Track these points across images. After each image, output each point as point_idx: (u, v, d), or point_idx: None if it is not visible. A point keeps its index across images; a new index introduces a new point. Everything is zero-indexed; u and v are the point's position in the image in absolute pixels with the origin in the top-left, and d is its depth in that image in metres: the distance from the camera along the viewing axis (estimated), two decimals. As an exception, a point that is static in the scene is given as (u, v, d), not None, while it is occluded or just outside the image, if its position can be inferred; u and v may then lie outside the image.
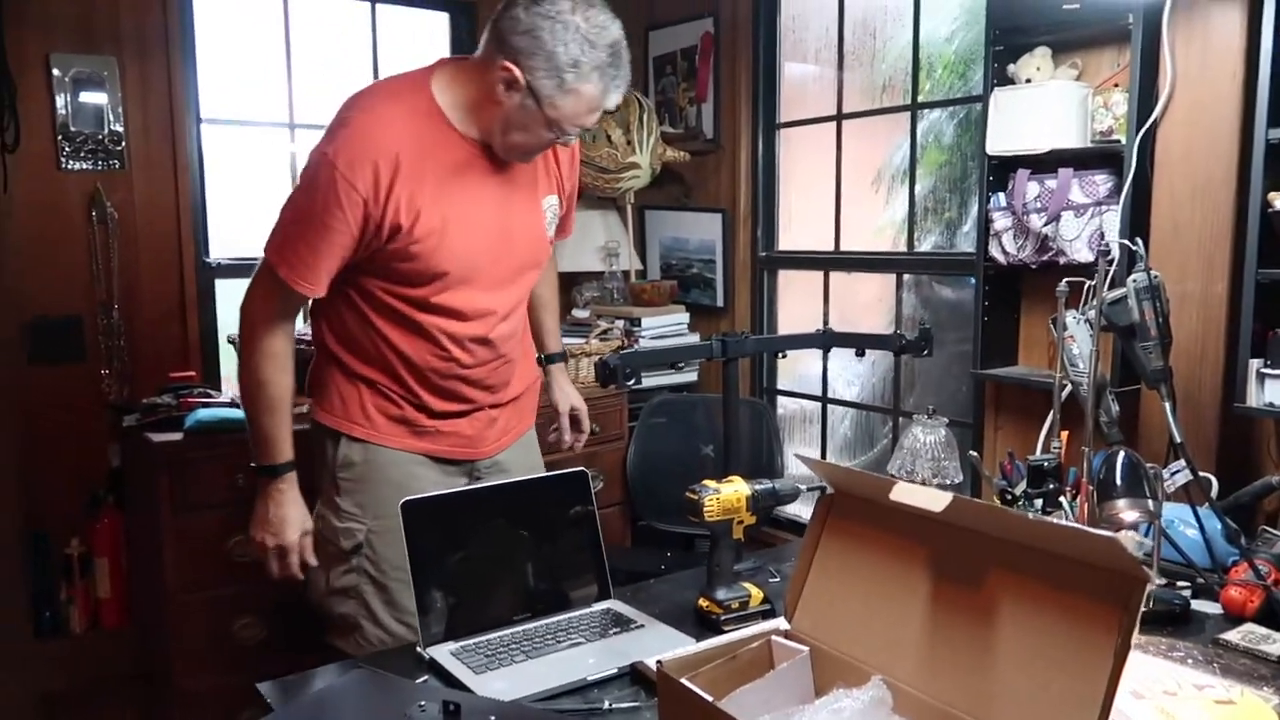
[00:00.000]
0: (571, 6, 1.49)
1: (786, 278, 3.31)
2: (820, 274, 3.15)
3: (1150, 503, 1.48)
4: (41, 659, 2.56)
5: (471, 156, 1.62)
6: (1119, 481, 1.48)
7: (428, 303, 1.63)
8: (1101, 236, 2.10)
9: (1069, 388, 1.70)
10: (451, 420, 1.74)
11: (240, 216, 3.03)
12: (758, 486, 1.49)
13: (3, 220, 2.47)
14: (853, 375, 3.34)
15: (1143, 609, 0.87)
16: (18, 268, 2.53)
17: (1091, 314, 1.63)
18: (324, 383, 1.73)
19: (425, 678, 1.32)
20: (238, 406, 2.52)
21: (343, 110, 1.60)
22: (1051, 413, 1.73)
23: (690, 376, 3.30)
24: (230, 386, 2.85)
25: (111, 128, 2.66)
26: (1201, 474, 1.69)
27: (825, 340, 2.05)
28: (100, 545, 2.64)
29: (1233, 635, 1.39)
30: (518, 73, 1.50)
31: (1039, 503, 1.63)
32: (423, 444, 1.72)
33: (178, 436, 2.37)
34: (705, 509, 1.45)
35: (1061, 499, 1.61)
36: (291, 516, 1.65)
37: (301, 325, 1.83)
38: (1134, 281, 1.64)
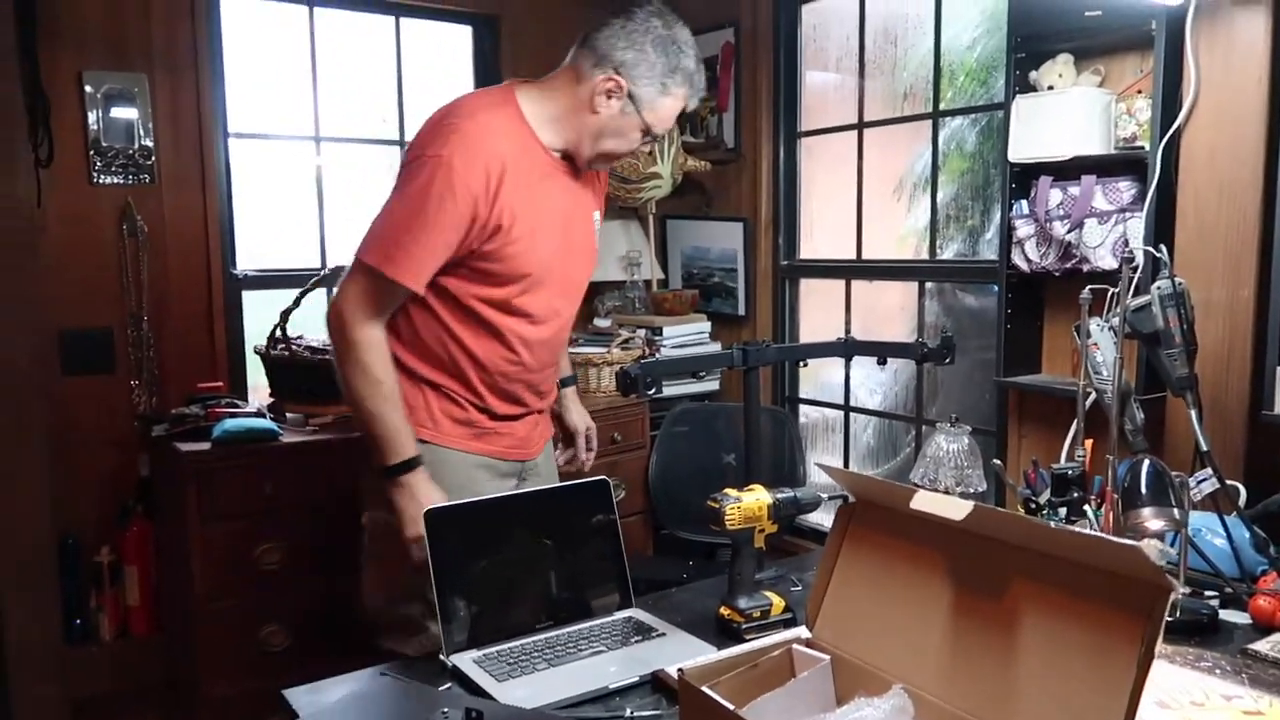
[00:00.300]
0: (663, 23, 1.68)
1: (808, 286, 3.30)
2: (842, 282, 3.15)
3: (1176, 511, 1.46)
4: (72, 665, 2.59)
5: (551, 167, 1.74)
6: (1144, 490, 1.47)
7: (508, 304, 1.71)
8: (1125, 243, 2.09)
9: (1093, 395, 1.69)
10: (509, 423, 1.80)
11: (267, 229, 3.08)
12: (779, 495, 1.49)
13: (37, 234, 2.51)
14: (875, 384, 3.33)
15: (1170, 619, 0.87)
16: (52, 281, 2.57)
17: (1115, 321, 1.62)
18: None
19: (448, 685, 1.33)
20: (264, 416, 2.56)
21: (446, 118, 1.66)
22: (1075, 421, 1.71)
23: (712, 385, 3.30)
24: (257, 396, 2.89)
25: (142, 143, 2.71)
26: (1229, 482, 1.67)
27: (847, 349, 2.05)
28: (129, 553, 2.68)
29: (1261, 645, 1.37)
30: (622, 81, 1.66)
31: (1063, 511, 1.62)
32: (483, 445, 1.77)
33: (205, 446, 2.40)
34: (727, 517, 1.45)
35: (1086, 508, 1.60)
36: (439, 500, 1.64)
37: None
38: (1158, 288, 1.63)
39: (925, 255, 2.95)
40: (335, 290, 1.65)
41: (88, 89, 2.63)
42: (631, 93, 1.67)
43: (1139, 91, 2.13)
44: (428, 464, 1.68)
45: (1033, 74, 2.26)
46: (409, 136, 3.24)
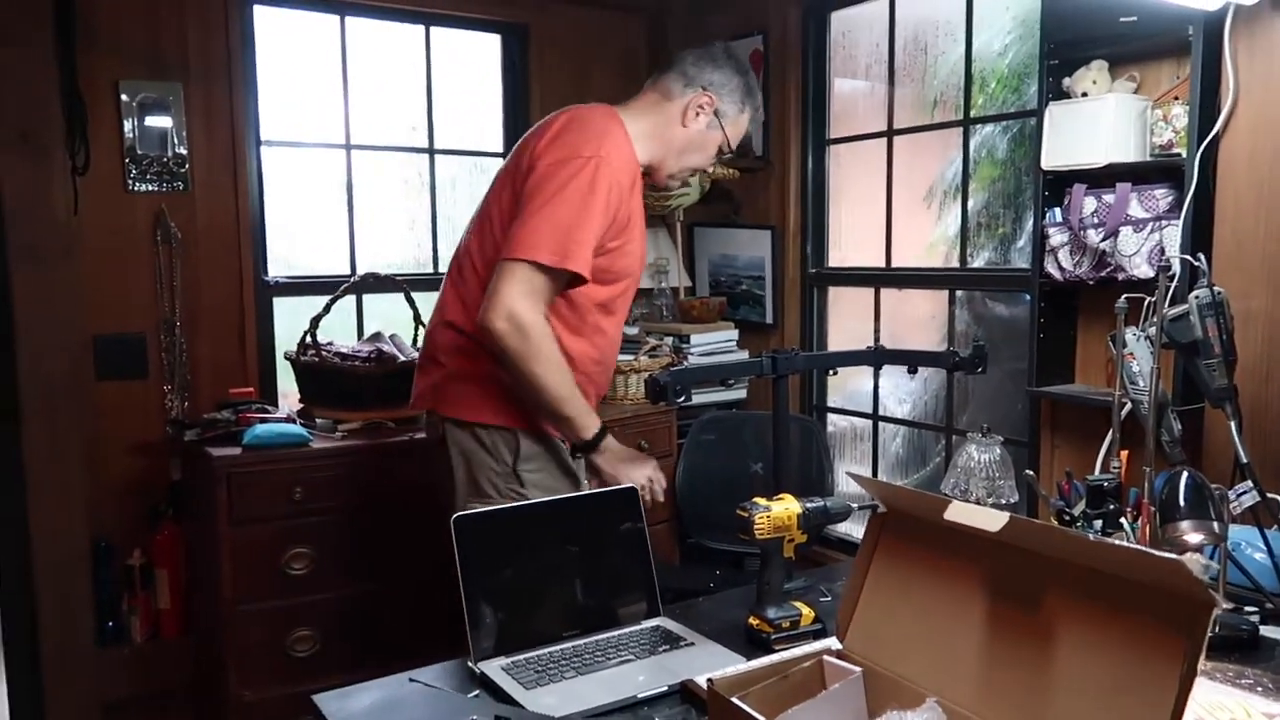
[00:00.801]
0: (728, 53, 1.95)
1: (836, 294, 3.28)
2: (871, 290, 3.13)
3: (1215, 525, 1.43)
4: (104, 667, 2.62)
5: (641, 178, 1.93)
6: (1182, 503, 1.45)
7: (610, 304, 1.88)
8: (1162, 252, 2.06)
9: (1128, 406, 1.66)
10: None
11: (297, 236, 3.10)
12: (809, 504, 1.48)
13: (73, 241, 2.56)
14: (904, 393, 3.30)
15: (1209, 634, 0.85)
16: (87, 287, 2.61)
17: (1152, 331, 1.60)
18: (487, 390, 1.82)
19: (476, 692, 1.32)
20: (293, 422, 2.58)
21: (590, 123, 1.82)
22: (1111, 431, 1.69)
23: (739, 394, 3.29)
24: (286, 402, 2.92)
25: (176, 150, 2.74)
26: (1270, 495, 1.64)
27: (877, 357, 2.03)
28: (161, 557, 2.70)
29: (1304, 663, 1.34)
30: (712, 97, 1.90)
31: (1098, 523, 1.60)
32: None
33: (236, 451, 2.42)
34: (756, 526, 1.44)
35: (1122, 520, 1.57)
36: (632, 449, 1.93)
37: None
38: (1196, 298, 1.61)
39: (955, 263, 2.93)
40: (493, 298, 1.70)
41: (124, 98, 2.67)
42: (718, 109, 1.91)
43: (1175, 98, 2.10)
44: (543, 453, 1.86)
45: (1066, 80, 2.24)
46: (439, 144, 3.29)
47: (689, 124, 1.91)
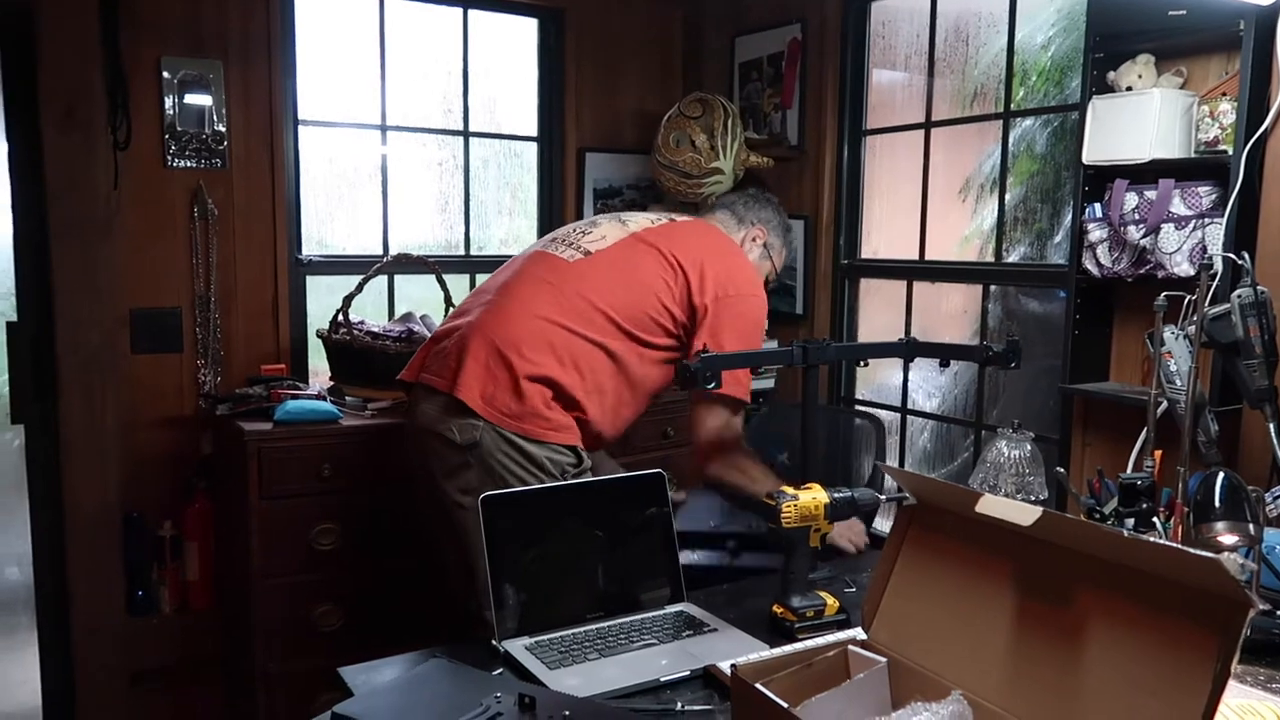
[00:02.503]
0: (770, 199, 2.34)
1: (868, 286, 3.26)
2: (903, 283, 3.10)
3: (1251, 526, 1.41)
4: (133, 636, 2.66)
5: None
6: (1218, 503, 1.42)
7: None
8: (1204, 250, 2.02)
9: (1164, 405, 1.64)
10: None
11: (331, 215, 3.12)
12: (837, 494, 1.47)
13: (113, 216, 2.59)
14: (933, 387, 3.28)
15: (1243, 636, 0.84)
16: (125, 261, 2.65)
17: (1191, 329, 1.57)
18: (560, 415, 1.92)
19: (500, 670, 1.33)
20: (324, 399, 2.60)
21: (743, 260, 2.18)
22: (1145, 430, 1.67)
23: (767, 383, 3.27)
24: (317, 379, 2.94)
25: (214, 128, 2.77)
26: (1307, 499, 1.61)
27: (909, 349, 2.02)
28: (191, 529, 2.74)
29: (1339, 670, 1.32)
30: (764, 232, 2.26)
31: (1130, 522, 1.58)
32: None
33: (267, 427, 2.45)
34: (783, 515, 1.44)
35: (1155, 520, 1.55)
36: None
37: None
38: (1239, 297, 1.58)
39: (990, 258, 2.89)
40: (704, 437, 2.00)
41: (165, 75, 2.69)
42: (768, 242, 2.26)
43: (1223, 94, 2.06)
44: (595, 467, 2.01)
45: (1110, 74, 2.20)
46: (473, 127, 3.30)
47: (748, 253, 2.22)
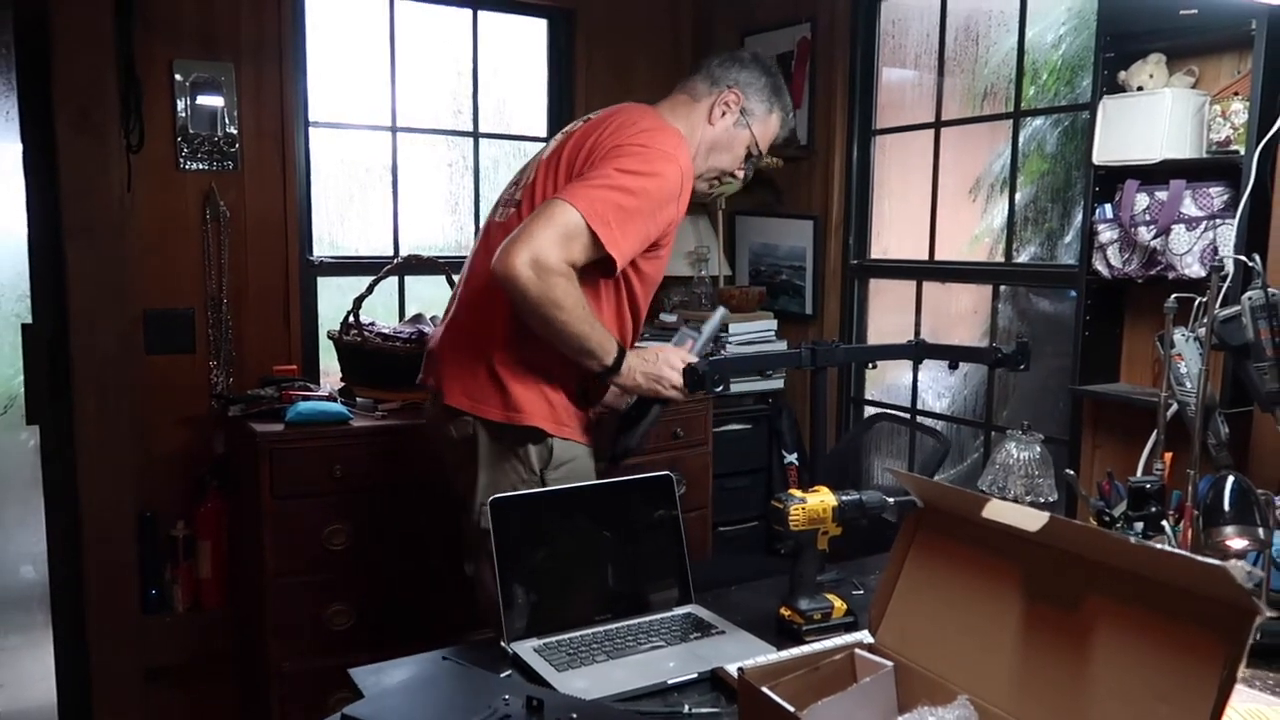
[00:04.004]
0: (755, 56, 1.97)
1: (877, 286, 3.26)
2: (913, 283, 3.09)
3: (1260, 531, 1.41)
4: (147, 634, 2.69)
5: None
6: (1227, 507, 1.42)
7: (638, 304, 1.87)
8: (1215, 251, 2.02)
9: (1174, 407, 1.64)
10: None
11: (342, 216, 3.14)
12: (844, 497, 1.48)
13: (126, 218, 2.61)
14: (943, 387, 3.27)
15: (1251, 641, 0.84)
16: (138, 263, 2.67)
17: (1201, 331, 1.57)
18: (522, 389, 1.79)
19: (509, 672, 1.34)
20: (335, 400, 2.62)
21: (659, 121, 1.82)
22: (1155, 433, 1.66)
23: (777, 384, 3.27)
24: (328, 380, 2.96)
25: (226, 130, 2.79)
26: (1318, 503, 1.60)
27: (918, 351, 2.02)
28: (204, 528, 2.76)
29: (1348, 675, 1.31)
30: (739, 94, 1.90)
31: (1139, 525, 1.57)
32: (588, 439, 1.89)
33: (279, 427, 2.46)
34: (791, 518, 1.44)
35: (1164, 523, 1.55)
36: (654, 351, 1.81)
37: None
38: (1249, 299, 1.57)
39: (1000, 258, 2.89)
40: (522, 238, 1.61)
41: (177, 77, 2.71)
42: (745, 107, 1.90)
43: (1235, 94, 2.05)
44: (572, 459, 1.82)
45: (1122, 74, 2.19)
46: (484, 128, 3.31)
47: (715, 122, 1.90)
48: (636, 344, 1.95)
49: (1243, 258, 1.73)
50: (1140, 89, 2.15)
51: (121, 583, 2.64)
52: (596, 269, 1.71)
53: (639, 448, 1.86)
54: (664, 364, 1.77)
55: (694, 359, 1.79)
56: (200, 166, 2.77)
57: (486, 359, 1.80)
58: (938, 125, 2.99)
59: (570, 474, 1.81)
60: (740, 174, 1.99)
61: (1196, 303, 1.61)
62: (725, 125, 1.90)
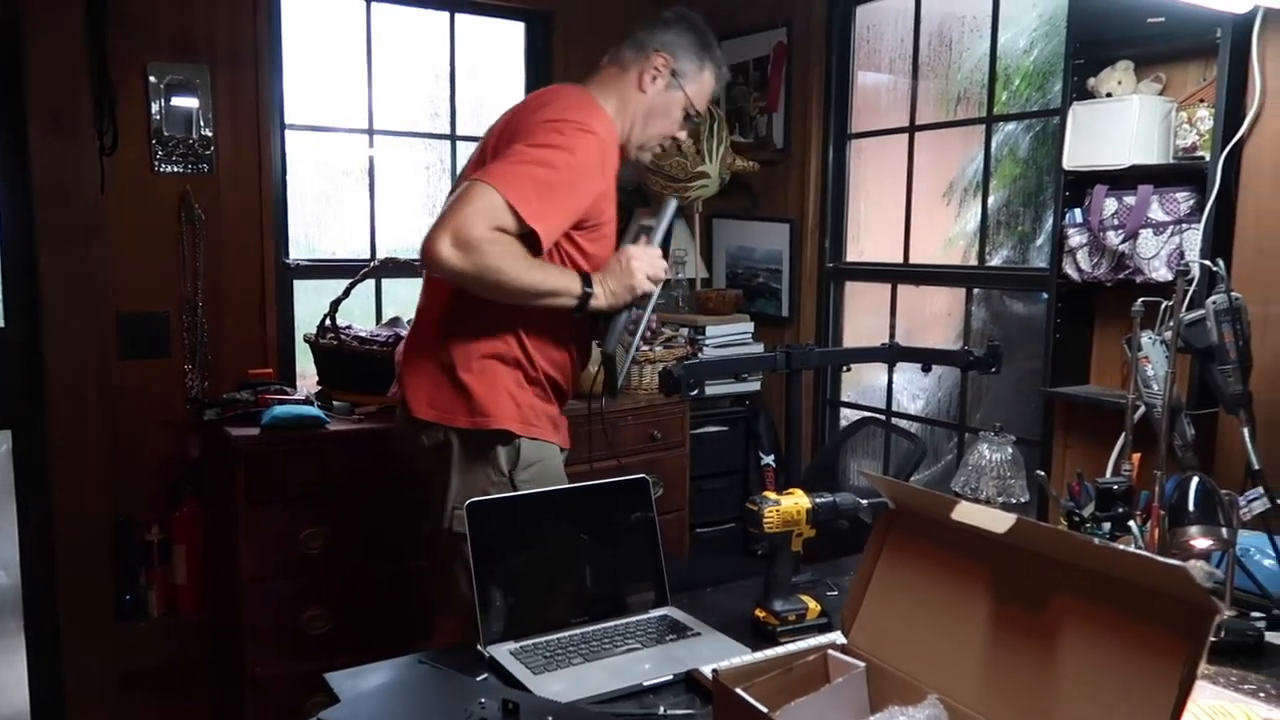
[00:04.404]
0: (679, 15, 1.89)
1: (853, 289, 3.28)
2: (888, 286, 3.12)
3: (1224, 530, 1.44)
4: (122, 640, 2.67)
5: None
6: (1192, 507, 1.45)
7: None
8: (1181, 255, 2.05)
9: (1142, 409, 1.66)
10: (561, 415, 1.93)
11: (318, 219, 3.13)
12: (818, 500, 1.49)
13: (100, 221, 2.59)
14: (917, 389, 3.30)
15: (1214, 639, 0.86)
16: (112, 266, 2.64)
17: (1168, 335, 1.60)
18: (486, 392, 1.77)
19: (485, 675, 1.35)
20: (311, 403, 2.61)
21: (583, 102, 1.77)
22: (1123, 434, 1.69)
23: (753, 386, 3.29)
24: (305, 384, 2.95)
25: (201, 133, 2.77)
26: (1281, 502, 1.63)
27: (892, 354, 2.04)
28: (179, 533, 2.74)
29: (1309, 670, 1.34)
30: (667, 58, 1.85)
31: (1107, 526, 1.60)
32: (558, 436, 1.88)
33: (255, 431, 2.45)
34: (765, 520, 1.46)
35: (1131, 523, 1.57)
36: (614, 259, 1.79)
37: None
38: (1214, 303, 1.60)
39: (974, 261, 2.92)
40: (443, 220, 1.60)
41: (151, 79, 2.69)
42: (675, 69, 1.86)
43: (1201, 100, 2.09)
44: (540, 460, 1.80)
45: (1091, 80, 2.23)
46: (461, 131, 3.30)
47: (647, 89, 1.85)
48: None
49: (1207, 262, 1.76)
50: (1109, 95, 2.19)
51: (95, 588, 2.62)
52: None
53: (626, 358, 1.84)
54: (630, 263, 1.76)
55: (655, 250, 1.80)
56: (175, 169, 2.75)
57: (446, 366, 1.80)
58: (912, 130, 3.02)
59: (539, 474, 1.80)
60: (683, 135, 1.95)
61: (1163, 306, 1.64)
62: (657, 90, 1.86)
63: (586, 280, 1.73)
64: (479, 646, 1.41)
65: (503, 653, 1.39)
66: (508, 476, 1.79)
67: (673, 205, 1.89)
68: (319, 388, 2.77)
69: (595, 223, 1.78)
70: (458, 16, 3.27)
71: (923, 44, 2.99)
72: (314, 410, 2.54)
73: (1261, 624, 1.46)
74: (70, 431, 2.55)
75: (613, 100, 1.84)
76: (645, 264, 1.77)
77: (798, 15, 3.21)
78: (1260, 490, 1.58)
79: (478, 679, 1.32)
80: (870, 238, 3.22)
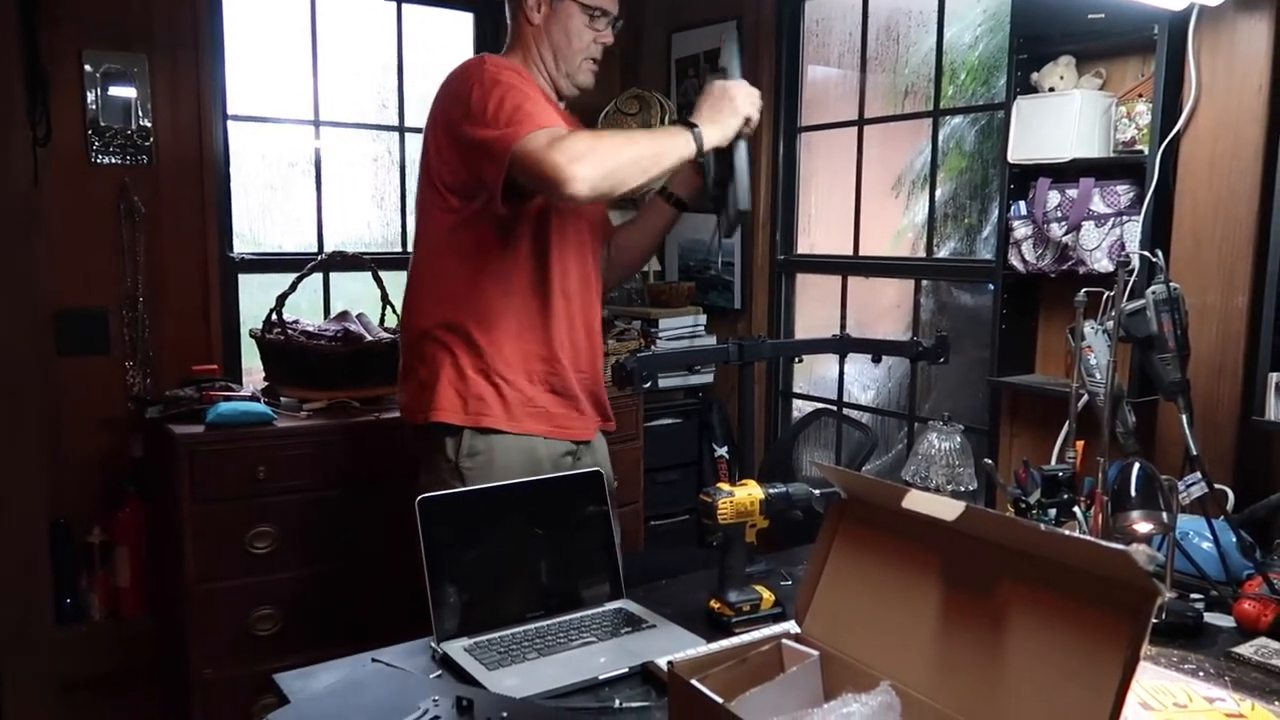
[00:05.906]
0: None
1: (804, 281, 3.31)
2: (838, 278, 3.15)
3: (1165, 515, 1.47)
4: (63, 645, 2.59)
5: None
6: (1134, 493, 1.48)
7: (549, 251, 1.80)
8: (1122, 247, 2.10)
9: (1085, 397, 1.70)
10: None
11: (263, 212, 3.07)
12: (771, 490, 1.50)
13: (34, 213, 2.51)
14: (869, 379, 3.34)
15: (1155, 621, 0.88)
16: (48, 260, 2.57)
17: (1110, 324, 1.63)
18: (438, 385, 1.77)
19: (439, 673, 1.33)
20: (258, 400, 2.56)
21: (470, 64, 1.74)
22: (1068, 422, 1.72)
23: (706, 378, 3.31)
24: (251, 380, 2.89)
25: (140, 123, 2.70)
26: (1218, 486, 1.68)
27: (842, 345, 2.06)
28: (121, 535, 2.68)
29: (1245, 649, 1.39)
30: None
31: (1053, 512, 1.63)
32: (514, 425, 1.82)
33: (199, 429, 2.40)
34: (719, 511, 1.46)
35: (1076, 509, 1.61)
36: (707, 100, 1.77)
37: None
38: (1153, 293, 1.64)
39: (922, 253, 2.96)
40: (538, 172, 1.55)
41: (87, 68, 2.62)
42: None
43: (1140, 95, 2.14)
44: (488, 450, 1.77)
45: (1034, 75, 2.26)
46: (409, 122, 3.26)
47: (534, 19, 1.82)
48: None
49: (1147, 253, 1.80)
50: (1052, 90, 2.23)
51: (34, 592, 2.54)
52: (494, 220, 1.71)
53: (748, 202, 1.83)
54: (725, 93, 1.74)
55: (742, 80, 1.78)
56: (113, 160, 2.68)
57: (412, 362, 1.83)
58: (861, 123, 3.04)
59: (486, 465, 1.77)
60: (609, 39, 1.89)
61: (1105, 296, 1.67)
62: (545, 15, 1.82)
63: (690, 125, 1.70)
64: (432, 644, 1.40)
65: (456, 649, 1.38)
66: (455, 464, 1.78)
67: (734, 38, 1.86)
68: (266, 384, 2.72)
69: None
70: (405, 6, 3.23)
71: (871, 38, 3.02)
72: (261, 407, 2.50)
73: (1200, 605, 1.50)
74: (7, 431, 2.46)
75: (517, 52, 1.84)
76: (740, 92, 1.75)
77: (747, 9, 3.22)
78: (1198, 475, 1.62)
79: (431, 676, 1.31)
80: (821, 230, 3.25)
